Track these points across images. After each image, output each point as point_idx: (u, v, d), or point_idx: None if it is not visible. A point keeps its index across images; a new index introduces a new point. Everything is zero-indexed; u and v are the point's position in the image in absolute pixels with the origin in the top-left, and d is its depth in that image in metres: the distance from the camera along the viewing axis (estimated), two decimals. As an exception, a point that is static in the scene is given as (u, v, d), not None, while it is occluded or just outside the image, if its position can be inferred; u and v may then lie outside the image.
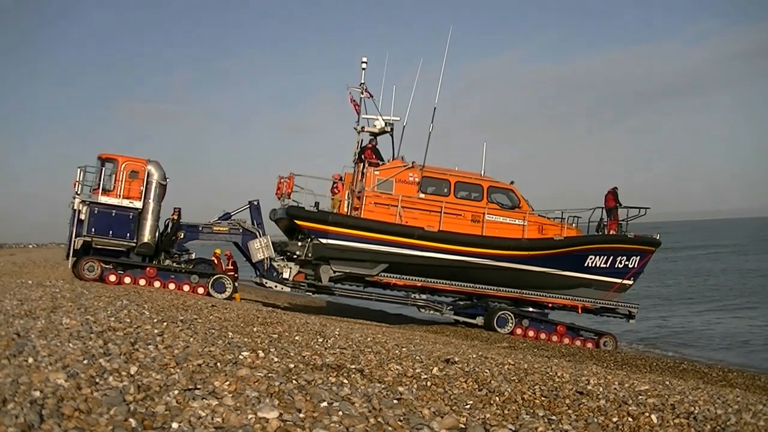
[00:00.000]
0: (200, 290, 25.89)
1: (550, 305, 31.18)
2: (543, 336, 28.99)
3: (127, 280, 25.42)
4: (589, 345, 29.08)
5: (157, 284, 25.55)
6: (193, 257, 27.65)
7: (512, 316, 29.07)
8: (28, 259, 51.36)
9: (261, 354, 10.03)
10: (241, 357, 9.56)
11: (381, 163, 29.53)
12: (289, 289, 29.25)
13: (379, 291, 30.39)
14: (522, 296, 30.20)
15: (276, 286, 28.45)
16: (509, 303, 30.12)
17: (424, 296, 30.27)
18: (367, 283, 29.74)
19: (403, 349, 14.35)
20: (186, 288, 25.75)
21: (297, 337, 13.78)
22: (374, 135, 30.49)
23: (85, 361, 7.73)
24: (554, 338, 29.07)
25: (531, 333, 29.05)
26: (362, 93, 30.36)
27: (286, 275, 28.37)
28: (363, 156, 29.62)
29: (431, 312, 30.77)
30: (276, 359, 9.84)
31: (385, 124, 30.16)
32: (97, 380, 7.03)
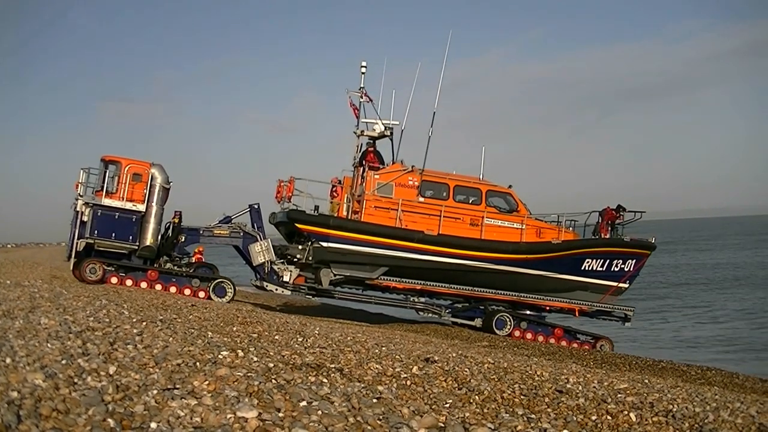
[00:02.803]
0: (201, 294, 26.01)
1: (547, 308, 31.35)
2: (541, 338, 29.14)
3: (129, 282, 25.52)
4: (586, 348, 29.20)
5: (158, 287, 25.63)
6: (194, 261, 27.67)
7: (510, 318, 29.21)
8: (6, 259, 51.06)
9: (240, 353, 10.02)
10: (220, 356, 9.54)
11: (382, 166, 29.61)
12: (289, 292, 29.42)
13: (378, 294, 30.48)
14: (520, 299, 30.39)
15: (276, 289, 28.54)
16: (507, 306, 30.26)
17: (422, 299, 30.41)
18: (367, 286, 29.84)
19: (383, 348, 14.37)
20: (187, 291, 25.90)
21: (277, 337, 13.77)
22: (374, 139, 30.60)
23: (64, 361, 7.70)
24: (552, 341, 29.21)
25: (529, 335, 29.20)
26: (362, 97, 30.43)
27: (286, 278, 28.41)
28: (365, 160, 29.73)
29: (430, 315, 30.85)
30: (255, 359, 9.83)
31: (385, 128, 30.23)
32: (76, 380, 7.00)
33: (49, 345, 8.60)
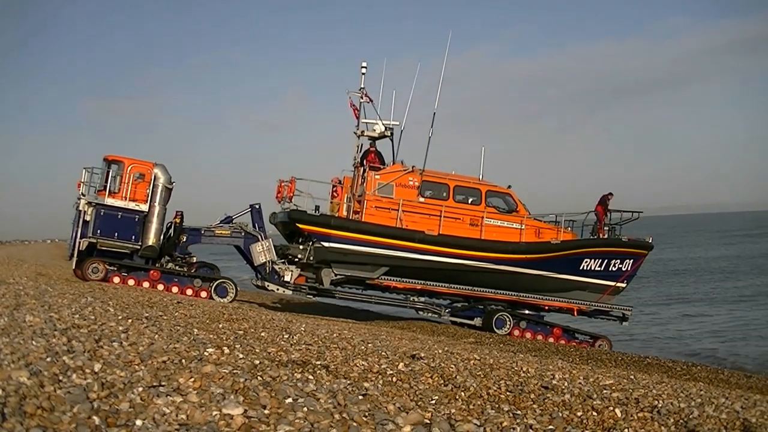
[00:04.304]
0: (203, 294, 26.22)
1: (546, 308, 31.48)
2: (540, 338, 29.24)
3: (131, 282, 25.68)
4: (584, 347, 29.31)
5: (160, 287, 25.76)
6: (194, 260, 27.79)
7: (510, 317, 29.33)
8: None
9: (226, 351, 10.00)
10: (206, 354, 9.52)
11: (383, 167, 29.72)
12: (290, 292, 29.59)
13: (378, 294, 30.59)
14: (519, 299, 30.52)
15: (278, 289, 28.69)
16: (506, 305, 30.39)
17: (422, 299, 30.52)
18: (367, 285, 29.95)
19: (369, 344, 14.37)
20: (189, 292, 26.11)
21: (263, 334, 13.75)
22: (374, 139, 30.71)
23: (49, 359, 7.66)
24: (551, 340, 29.30)
25: (528, 334, 29.36)
26: (362, 97, 30.52)
27: (287, 278, 28.55)
28: (366, 160, 29.87)
29: (429, 314, 30.96)
30: (241, 356, 9.81)
31: (385, 128, 30.32)
32: (61, 378, 6.97)
33: (34, 342, 8.56)
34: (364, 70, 30.93)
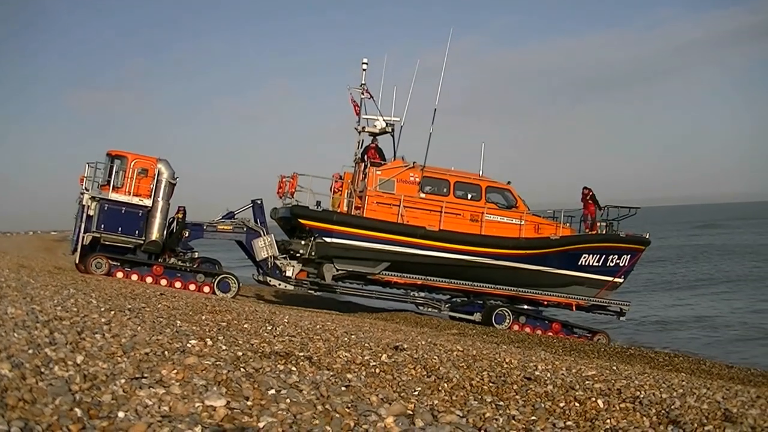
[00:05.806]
0: (206, 289, 26.43)
1: (545, 303, 31.67)
2: (539, 332, 29.35)
3: (134, 277, 25.84)
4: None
5: (163, 282, 25.89)
6: (197, 256, 27.89)
7: (509, 312, 29.44)
8: (-29, 249, 50.50)
9: (209, 342, 9.99)
10: (188, 345, 9.51)
11: (384, 162, 29.80)
12: (292, 287, 29.67)
13: (379, 289, 30.86)
14: (519, 294, 30.68)
15: (279, 284, 28.92)
16: (505, 300, 30.52)
17: (422, 294, 30.62)
18: (368, 281, 30.07)
19: (352, 336, 14.39)
20: (192, 287, 26.31)
21: (246, 325, 13.73)
22: (375, 135, 30.79)
23: (31, 351, 7.62)
24: (550, 335, 29.40)
25: (527, 329, 29.45)
26: (363, 93, 30.63)
27: (289, 273, 28.71)
28: (366, 156, 29.96)
29: (429, 309, 31.05)
30: (224, 347, 9.80)
31: (386, 124, 30.42)
32: (43, 370, 6.94)
33: (15, 335, 8.51)
34: (365, 67, 31.11)
